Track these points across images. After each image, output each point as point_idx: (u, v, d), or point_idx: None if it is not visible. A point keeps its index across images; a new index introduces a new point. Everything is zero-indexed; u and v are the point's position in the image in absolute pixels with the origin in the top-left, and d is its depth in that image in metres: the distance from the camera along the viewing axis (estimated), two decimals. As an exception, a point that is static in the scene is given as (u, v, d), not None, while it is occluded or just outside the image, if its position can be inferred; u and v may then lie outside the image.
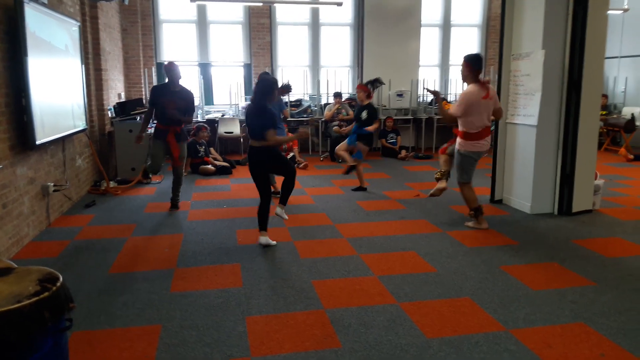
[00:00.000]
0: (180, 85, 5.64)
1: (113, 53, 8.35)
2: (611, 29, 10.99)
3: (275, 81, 4.62)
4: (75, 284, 3.68)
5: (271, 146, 4.42)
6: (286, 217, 4.72)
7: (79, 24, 6.20)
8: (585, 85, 5.27)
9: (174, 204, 5.90)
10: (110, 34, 8.09)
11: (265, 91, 4.42)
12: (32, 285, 2.05)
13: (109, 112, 7.58)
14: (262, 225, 4.57)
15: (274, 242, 4.60)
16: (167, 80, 5.66)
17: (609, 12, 10.12)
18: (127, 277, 3.85)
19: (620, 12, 10.35)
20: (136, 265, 4.10)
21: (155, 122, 5.74)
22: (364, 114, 6.51)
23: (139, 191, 6.82)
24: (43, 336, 1.98)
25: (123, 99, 8.89)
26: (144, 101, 8.98)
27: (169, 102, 5.46)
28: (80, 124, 6.11)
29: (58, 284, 2.07)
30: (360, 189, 6.82)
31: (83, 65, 6.27)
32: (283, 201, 4.66)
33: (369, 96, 6.65)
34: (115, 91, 8.47)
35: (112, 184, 6.88)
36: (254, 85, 6.55)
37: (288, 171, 4.57)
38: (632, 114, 10.13)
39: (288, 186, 4.62)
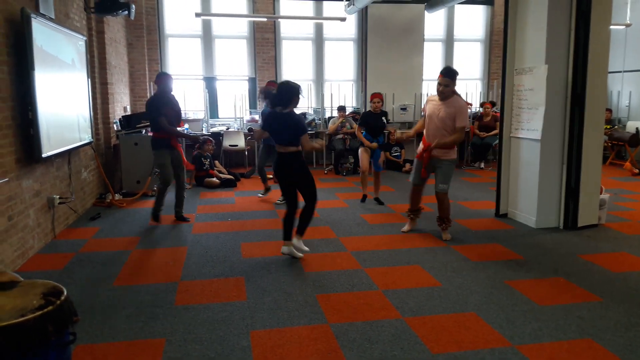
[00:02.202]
0: (172, 95, 5.72)
1: (119, 67, 8.43)
2: (614, 43, 11.04)
3: (299, 87, 4.50)
4: (79, 296, 3.69)
5: (302, 151, 4.44)
6: (301, 253, 4.57)
7: (85, 38, 6.27)
8: (588, 100, 5.28)
9: (181, 218, 5.91)
10: (116, 48, 8.17)
11: (292, 96, 4.39)
12: (36, 299, 2.05)
13: (114, 125, 7.63)
14: (286, 235, 4.56)
15: (300, 255, 4.57)
16: (158, 90, 5.65)
17: (612, 27, 10.22)
18: (131, 290, 3.85)
19: (622, 27, 10.40)
20: (140, 278, 4.10)
21: (151, 133, 5.72)
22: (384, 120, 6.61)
23: (144, 204, 6.83)
24: (46, 350, 1.97)
25: (129, 112, 8.95)
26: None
27: (169, 110, 5.59)
28: (86, 137, 6.15)
29: (62, 297, 2.08)
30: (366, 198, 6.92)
31: (89, 79, 6.33)
32: (300, 231, 4.57)
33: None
34: (121, 104, 8.53)
35: (117, 196, 6.90)
36: (259, 94, 6.55)
37: (310, 194, 4.53)
38: (637, 128, 10.12)
39: (307, 214, 4.54)
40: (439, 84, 4.87)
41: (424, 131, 5.12)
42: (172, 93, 5.76)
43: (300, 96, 4.46)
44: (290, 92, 4.40)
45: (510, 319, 3.35)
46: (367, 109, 6.87)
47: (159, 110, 5.57)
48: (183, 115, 9.93)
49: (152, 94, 5.78)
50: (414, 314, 3.43)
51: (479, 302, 3.63)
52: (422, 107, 4.98)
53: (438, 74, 4.93)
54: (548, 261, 4.52)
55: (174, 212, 5.97)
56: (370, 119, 6.55)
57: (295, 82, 4.52)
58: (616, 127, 10.78)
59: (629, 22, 10.19)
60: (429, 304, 3.59)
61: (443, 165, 5.01)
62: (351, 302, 3.63)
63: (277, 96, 4.44)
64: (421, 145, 5.10)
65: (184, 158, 5.92)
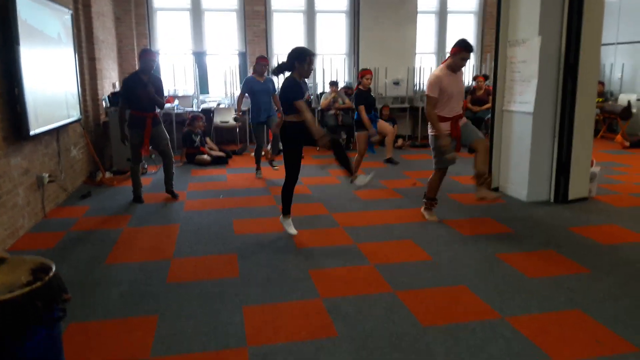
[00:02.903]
0: (150, 74, 5.52)
1: (107, 42, 8.27)
2: (608, 15, 10.92)
3: (309, 51, 4.23)
4: (71, 275, 3.68)
5: (303, 120, 4.17)
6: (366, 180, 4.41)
7: (71, 12, 6.13)
8: (581, 72, 5.25)
9: (172, 193, 5.89)
10: (103, 22, 8.00)
11: (296, 57, 4.15)
12: (24, 275, 2.04)
13: (103, 102, 7.52)
14: (287, 209, 4.54)
15: (295, 232, 4.56)
16: (138, 68, 5.50)
17: (606, -2, 10.11)
18: (123, 268, 3.84)
19: (617, -2, 10.29)
20: (132, 256, 4.09)
21: (128, 111, 5.54)
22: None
23: (134, 181, 6.78)
24: (36, 326, 1.97)
25: (117, 88, 8.83)
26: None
27: (144, 92, 5.39)
28: (75, 114, 6.06)
29: (51, 273, 2.06)
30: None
31: (76, 54, 6.21)
32: (351, 170, 4.45)
33: None
34: (110, 80, 8.40)
35: (107, 174, 6.85)
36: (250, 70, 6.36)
37: (332, 141, 4.27)
38: (629, 101, 10.12)
39: (341, 156, 4.35)
40: (464, 59, 4.54)
41: (443, 108, 4.63)
42: (153, 71, 5.58)
43: (309, 62, 4.17)
44: (298, 51, 4.20)
45: (501, 292, 3.38)
46: (357, 87, 6.64)
47: (127, 93, 5.45)
48: (173, 91, 9.86)
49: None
50: (405, 288, 3.45)
51: (470, 275, 3.66)
52: (431, 84, 4.55)
53: (456, 47, 4.53)
54: (538, 234, 4.55)
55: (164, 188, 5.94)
56: (368, 97, 6.46)
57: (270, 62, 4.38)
58: (609, 101, 10.78)
59: (623, -7, 10.09)
60: (420, 278, 3.62)
61: (467, 124, 4.77)
62: (344, 277, 3.65)
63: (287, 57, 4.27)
64: (443, 126, 4.63)
65: (148, 135, 5.60)
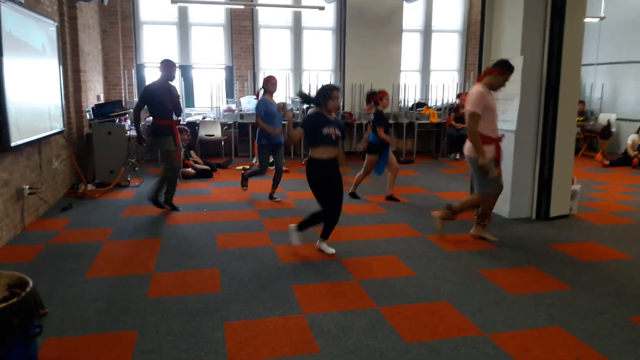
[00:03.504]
0: (170, 84, 5.70)
1: (92, 54, 8.24)
2: (588, 36, 11.20)
3: (332, 86, 4.32)
4: (49, 289, 3.61)
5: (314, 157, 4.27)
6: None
7: (56, 24, 6.10)
8: (562, 92, 5.36)
9: (171, 203, 5.89)
10: (89, 34, 7.97)
11: (322, 95, 4.26)
12: (0, 291, 1.99)
13: (87, 114, 7.47)
14: (304, 225, 4.49)
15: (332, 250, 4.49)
16: (160, 77, 5.61)
17: (587, 20, 10.35)
18: (102, 282, 3.78)
19: (596, 20, 10.56)
20: (112, 270, 4.03)
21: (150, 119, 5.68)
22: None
23: (117, 194, 6.72)
24: (11, 343, 1.92)
25: (102, 100, 8.77)
26: (123, 103, 8.85)
27: (169, 99, 5.57)
28: (58, 125, 6.00)
29: (28, 289, 2.02)
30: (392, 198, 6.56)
31: (61, 66, 6.17)
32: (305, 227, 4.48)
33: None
34: (94, 92, 8.35)
35: (90, 186, 6.77)
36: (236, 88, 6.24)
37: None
38: (608, 120, 10.34)
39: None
40: (506, 80, 4.57)
41: (487, 127, 4.53)
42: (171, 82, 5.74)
43: (327, 97, 4.23)
44: (317, 93, 4.35)
45: (483, 308, 3.39)
46: (375, 107, 6.41)
47: (148, 99, 5.57)
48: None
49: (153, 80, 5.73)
50: (388, 304, 3.45)
51: (453, 291, 3.67)
52: (475, 99, 4.45)
53: (501, 68, 4.51)
54: (520, 251, 4.59)
55: (164, 197, 5.89)
56: (387, 118, 6.34)
57: (330, 84, 4.41)
58: (590, 120, 10.99)
59: (603, 15, 10.34)
60: (403, 294, 3.62)
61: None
62: (327, 292, 3.63)
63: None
64: (489, 148, 4.53)
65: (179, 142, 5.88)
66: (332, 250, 4.47)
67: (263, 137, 6.26)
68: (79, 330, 3.05)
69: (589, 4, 10.59)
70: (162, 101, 5.53)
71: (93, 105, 7.66)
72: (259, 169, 6.50)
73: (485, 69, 4.74)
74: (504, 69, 4.54)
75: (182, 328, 3.08)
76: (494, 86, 4.61)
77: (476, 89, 4.58)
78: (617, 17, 10.63)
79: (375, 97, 6.42)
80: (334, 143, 4.26)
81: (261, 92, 6.37)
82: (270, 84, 6.34)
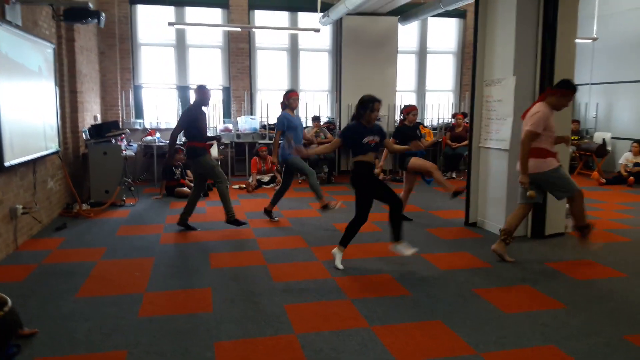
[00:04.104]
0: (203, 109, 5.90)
1: (90, 75, 8.31)
2: (582, 57, 11.35)
3: (372, 98, 4.49)
4: (40, 308, 3.59)
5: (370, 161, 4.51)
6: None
7: (53, 46, 6.17)
8: (555, 111, 5.38)
9: (186, 223, 5.95)
10: (87, 56, 8.05)
11: (361, 105, 4.48)
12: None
13: (83, 134, 7.49)
14: (345, 242, 4.62)
15: (341, 267, 4.55)
16: (195, 102, 5.77)
17: (579, 40, 10.47)
18: (94, 302, 3.75)
19: (589, 41, 10.69)
20: (104, 290, 4.00)
21: (185, 141, 6.00)
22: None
23: (112, 214, 6.70)
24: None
25: (99, 121, 8.82)
26: (119, 123, 8.92)
27: (204, 124, 5.85)
28: (53, 145, 6.02)
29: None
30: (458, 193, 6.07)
31: (57, 87, 6.22)
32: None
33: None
34: (91, 113, 8.39)
35: (84, 206, 6.75)
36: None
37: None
38: (604, 139, 10.39)
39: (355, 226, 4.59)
40: (569, 101, 4.71)
41: (546, 142, 4.67)
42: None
43: (367, 108, 4.42)
44: (357, 104, 4.52)
45: (476, 327, 3.36)
46: (401, 122, 6.44)
47: (193, 121, 5.68)
48: (156, 124, 9.91)
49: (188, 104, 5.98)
50: (381, 323, 3.41)
51: (446, 310, 3.65)
52: (538, 119, 4.53)
53: (566, 89, 4.60)
54: (515, 269, 4.57)
55: (180, 216, 5.99)
56: (408, 132, 6.16)
57: (369, 95, 4.53)
58: (585, 139, 11.05)
59: (595, 36, 10.48)
60: (396, 313, 3.59)
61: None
62: (319, 312, 3.60)
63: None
64: (625, 159, 4.69)
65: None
66: (412, 250, 4.52)
67: (286, 152, 6.12)
68: (67, 350, 3.01)
69: (582, 26, 10.74)
70: (199, 125, 5.72)
71: (89, 126, 7.70)
72: (283, 186, 6.40)
73: (547, 88, 4.77)
74: (567, 90, 4.60)
75: (172, 348, 3.05)
76: (558, 107, 4.67)
77: (540, 108, 4.60)
78: (610, 38, 10.77)
79: (403, 112, 6.38)
80: (373, 149, 4.50)
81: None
82: (291, 99, 6.30)
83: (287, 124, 6.16)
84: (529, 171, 4.64)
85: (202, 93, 5.76)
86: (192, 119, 5.68)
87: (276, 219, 6.44)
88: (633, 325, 3.41)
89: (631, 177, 9.18)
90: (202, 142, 5.76)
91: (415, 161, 6.12)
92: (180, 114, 6.00)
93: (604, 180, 9.41)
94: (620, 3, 10.57)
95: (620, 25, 10.70)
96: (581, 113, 11.61)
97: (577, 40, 9.23)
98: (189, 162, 6.09)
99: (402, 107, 6.55)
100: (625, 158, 9.58)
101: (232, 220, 5.87)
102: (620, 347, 3.09)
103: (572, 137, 10.62)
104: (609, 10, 10.71)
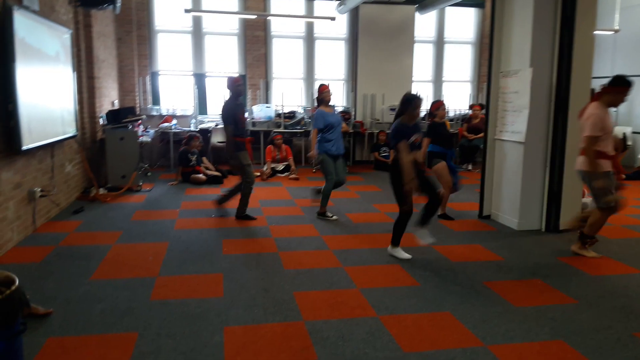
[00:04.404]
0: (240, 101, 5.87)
1: (107, 61, 8.39)
2: (603, 49, 11.13)
3: (415, 97, 4.48)
4: (55, 290, 3.67)
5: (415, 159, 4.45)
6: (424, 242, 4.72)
7: (70, 31, 6.23)
8: (572, 104, 5.31)
9: (247, 215, 5.92)
10: (104, 42, 8.12)
11: (403, 103, 4.48)
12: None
13: (100, 120, 7.59)
14: (397, 240, 4.67)
15: (408, 256, 4.59)
16: (231, 95, 5.77)
17: (600, 32, 10.28)
18: (107, 284, 3.83)
19: (611, 32, 10.47)
20: (118, 273, 4.08)
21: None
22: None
23: (128, 199, 6.80)
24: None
25: (117, 106, 8.91)
26: (136, 109, 9.00)
27: (242, 117, 5.83)
28: (71, 130, 6.11)
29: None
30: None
31: (74, 73, 6.29)
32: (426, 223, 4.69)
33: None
34: (109, 99, 8.49)
35: (101, 190, 6.86)
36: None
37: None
38: (624, 134, 10.20)
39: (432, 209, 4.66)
40: (626, 96, 4.55)
41: (605, 145, 4.52)
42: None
43: (413, 107, 4.43)
44: (400, 101, 4.53)
45: (485, 319, 3.36)
46: (430, 119, 6.24)
47: (234, 116, 5.65)
48: (172, 111, 9.98)
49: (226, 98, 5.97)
50: (389, 313, 3.43)
51: (456, 302, 3.65)
52: (595, 124, 4.40)
53: (622, 86, 4.47)
54: (527, 263, 4.54)
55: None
56: (440, 129, 6.06)
57: (413, 93, 4.54)
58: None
59: (617, 27, 10.25)
60: (405, 303, 3.60)
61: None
62: (328, 300, 3.63)
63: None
64: (605, 164, 4.53)
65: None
66: (431, 240, 4.73)
67: (321, 148, 5.90)
68: (81, 330, 3.09)
69: (604, 17, 10.53)
70: (237, 119, 5.67)
71: (107, 111, 7.79)
72: (328, 181, 5.99)
73: (601, 87, 4.64)
74: (622, 87, 4.50)
75: (182, 331, 3.10)
76: (615, 104, 4.62)
77: (594, 110, 4.47)
78: (632, 30, 10.52)
79: (431, 109, 6.26)
80: (417, 148, 4.56)
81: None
82: (323, 93, 5.96)
83: (323, 123, 5.83)
84: (580, 167, 4.61)
85: (233, 84, 5.71)
86: (229, 113, 5.65)
87: (334, 216, 6.05)
88: (644, 322, 3.38)
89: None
90: (242, 138, 5.74)
91: (440, 170, 5.95)
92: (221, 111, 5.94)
93: (624, 176, 9.24)
94: (644, -6, 10.31)
95: (644, 17, 10.44)
96: (601, 106, 11.39)
97: (597, 32, 9.03)
98: (228, 155, 5.87)
99: (431, 102, 6.38)
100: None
101: (242, 215, 5.87)
102: (629, 344, 3.07)
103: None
104: (633, 2, 10.45)
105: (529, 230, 5.59)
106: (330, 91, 6.04)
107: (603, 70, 11.04)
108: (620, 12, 10.22)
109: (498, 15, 5.80)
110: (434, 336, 3.12)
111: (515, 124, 5.57)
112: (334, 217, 5.99)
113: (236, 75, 5.82)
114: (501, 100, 5.81)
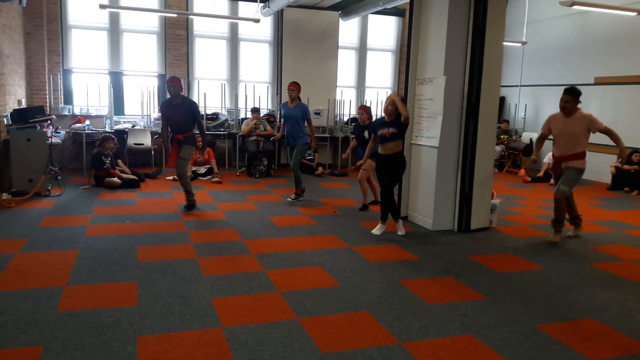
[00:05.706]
0: (182, 97, 6.25)
1: (14, 57, 7.83)
2: (513, 59, 11.90)
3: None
4: (-54, 304, 3.36)
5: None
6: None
7: (-30, 23, 5.76)
8: (482, 110, 5.63)
9: (191, 203, 6.45)
10: (10, 36, 7.58)
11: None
12: None
13: (4, 119, 7.06)
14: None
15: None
16: (168, 95, 6.28)
17: (510, 43, 10.97)
18: (9, 296, 3.56)
19: (519, 44, 11.20)
20: (21, 283, 3.80)
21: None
22: (366, 134, 6.58)
23: (35, 204, 6.37)
24: None
25: (24, 105, 8.33)
26: (45, 109, 8.47)
27: (174, 115, 6.19)
28: (-31, 130, 5.63)
29: None
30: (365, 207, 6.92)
31: (-26, 68, 5.81)
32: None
33: (370, 117, 6.87)
34: (15, 97, 7.92)
35: (5, 195, 6.38)
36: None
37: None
38: (531, 139, 10.93)
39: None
40: (561, 100, 5.37)
41: (555, 146, 5.56)
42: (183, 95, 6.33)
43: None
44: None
45: (400, 317, 3.47)
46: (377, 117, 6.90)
47: (163, 114, 6.34)
48: (86, 111, 9.49)
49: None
50: (309, 315, 3.45)
51: (373, 301, 3.74)
52: (544, 125, 5.63)
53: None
54: (440, 262, 4.75)
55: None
56: (356, 130, 7.01)
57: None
58: (513, 137, 11.59)
59: (525, 40, 11.00)
60: (324, 304, 3.64)
61: (571, 171, 5.42)
62: (247, 305, 3.59)
63: None
64: (548, 158, 5.34)
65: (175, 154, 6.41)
66: (402, 232, 5.62)
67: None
68: (-24, 347, 2.85)
69: (513, 30, 11.27)
70: (167, 117, 6.26)
71: (12, 110, 7.26)
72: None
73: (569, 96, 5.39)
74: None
75: (91, 342, 2.95)
76: (560, 108, 5.45)
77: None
78: (538, 42, 11.34)
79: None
80: (388, 140, 5.35)
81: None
82: (288, 89, 7.08)
83: (283, 114, 7.07)
84: (582, 166, 5.43)
85: (165, 83, 6.23)
86: (161, 111, 6.30)
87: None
88: (544, 315, 3.64)
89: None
90: (175, 134, 6.28)
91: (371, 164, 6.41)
92: None
93: (529, 179, 9.93)
94: (548, 10, 11.13)
95: (547, 31, 11.28)
96: (511, 113, 12.17)
97: (507, 44, 9.63)
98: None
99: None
100: (549, 157, 10.13)
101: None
102: (531, 335, 3.29)
103: (502, 136, 11.15)
104: (538, 17, 11.27)
105: (443, 231, 5.85)
106: (293, 89, 7.02)
107: (513, 79, 11.83)
108: (527, 26, 10.97)
109: (415, 25, 6.03)
110: (351, 336, 3.18)
111: (430, 129, 5.80)
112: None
113: (174, 77, 6.09)
114: (417, 107, 6.04)
